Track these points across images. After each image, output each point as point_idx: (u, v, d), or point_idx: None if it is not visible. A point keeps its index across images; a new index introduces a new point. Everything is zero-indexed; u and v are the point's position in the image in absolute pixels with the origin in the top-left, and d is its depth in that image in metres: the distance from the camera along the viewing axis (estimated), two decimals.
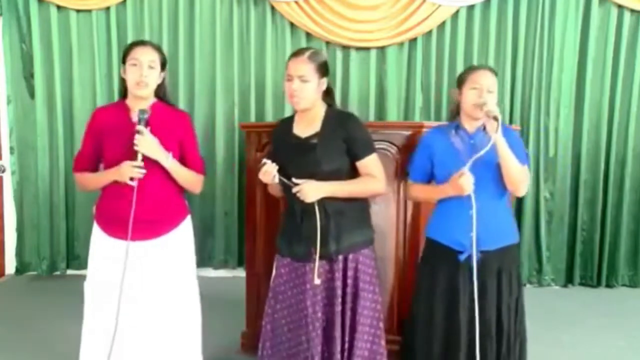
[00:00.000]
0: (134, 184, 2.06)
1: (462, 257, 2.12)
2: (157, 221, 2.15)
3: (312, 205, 2.07)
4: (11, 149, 4.37)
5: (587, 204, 4.36)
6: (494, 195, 2.15)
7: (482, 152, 2.02)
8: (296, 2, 4.18)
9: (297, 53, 2.19)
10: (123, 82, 2.20)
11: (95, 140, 2.19)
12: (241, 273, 3.16)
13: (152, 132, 2.09)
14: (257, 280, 2.89)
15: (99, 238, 2.20)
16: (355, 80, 4.33)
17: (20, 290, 4.14)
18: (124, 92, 2.23)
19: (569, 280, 4.40)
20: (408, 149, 2.65)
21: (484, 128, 2.12)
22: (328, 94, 2.22)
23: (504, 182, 2.12)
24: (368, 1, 4.24)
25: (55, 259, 4.39)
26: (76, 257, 4.39)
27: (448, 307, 2.16)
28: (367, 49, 4.29)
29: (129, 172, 2.05)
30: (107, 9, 4.25)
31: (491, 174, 2.11)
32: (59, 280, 4.31)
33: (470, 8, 4.26)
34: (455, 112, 2.27)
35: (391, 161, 2.62)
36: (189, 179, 2.23)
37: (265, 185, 2.31)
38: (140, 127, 2.06)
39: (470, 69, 2.25)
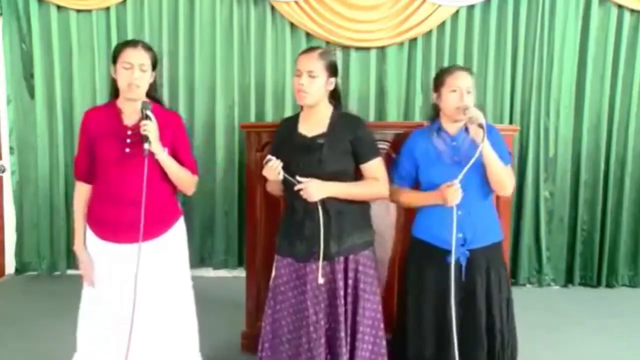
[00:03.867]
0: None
1: (448, 260, 2.10)
2: (151, 223, 2.11)
3: (314, 204, 2.07)
4: (11, 149, 4.37)
5: (587, 204, 4.36)
6: (480, 194, 2.16)
7: (470, 163, 2.03)
8: (296, 2, 4.18)
9: (308, 50, 2.23)
10: (114, 83, 2.17)
11: (88, 144, 2.16)
12: (241, 273, 3.16)
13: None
14: (257, 280, 2.89)
15: (90, 240, 2.19)
16: (355, 80, 4.33)
17: (20, 290, 4.14)
18: (115, 93, 2.19)
19: (569, 280, 4.39)
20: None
21: (466, 129, 2.12)
22: (335, 96, 2.23)
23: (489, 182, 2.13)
24: (368, 1, 4.23)
25: (55, 259, 4.39)
26: (76, 257, 4.36)
27: (438, 306, 2.17)
28: (367, 49, 4.29)
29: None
30: (107, 9, 4.25)
31: (477, 173, 2.11)
32: (59, 280, 4.30)
33: (470, 8, 4.26)
34: (434, 114, 2.27)
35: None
36: (182, 177, 2.20)
37: (265, 185, 2.31)
38: (149, 113, 2.05)
39: (446, 71, 2.24)
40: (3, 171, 4.38)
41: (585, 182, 4.34)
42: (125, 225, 2.07)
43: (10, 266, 4.47)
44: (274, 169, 2.05)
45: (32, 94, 4.33)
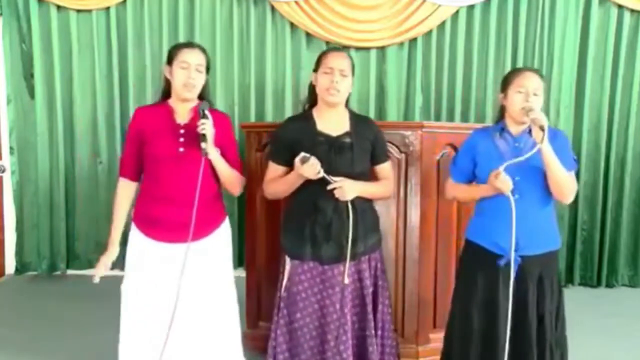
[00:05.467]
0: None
1: (501, 262, 2.06)
2: (201, 223, 2.09)
3: (345, 204, 2.06)
4: (11, 149, 4.37)
5: (587, 204, 4.36)
6: (539, 200, 2.09)
7: (522, 158, 1.98)
8: (296, 2, 4.18)
9: (333, 49, 2.27)
10: (167, 83, 2.18)
11: (138, 142, 2.15)
12: (241, 273, 3.15)
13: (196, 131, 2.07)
14: (257, 280, 2.89)
15: (138, 239, 2.15)
16: (356, 80, 4.29)
17: (20, 290, 4.14)
18: (166, 93, 2.20)
19: (569, 280, 4.40)
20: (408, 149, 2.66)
21: (530, 131, 2.06)
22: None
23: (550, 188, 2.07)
24: (368, 1, 4.24)
25: (55, 259, 4.39)
26: (76, 257, 4.37)
27: (486, 312, 2.10)
28: (367, 49, 4.29)
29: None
30: (107, 9, 4.25)
31: (537, 179, 2.06)
32: (59, 280, 4.30)
33: (470, 8, 4.27)
34: (500, 114, 2.22)
35: (391, 161, 2.62)
36: (232, 177, 2.21)
37: (263, 188, 2.30)
38: (207, 112, 2.07)
39: (515, 71, 2.20)
40: (3, 171, 4.38)
41: (585, 182, 4.34)
42: (177, 225, 2.05)
43: (10, 266, 4.47)
44: (314, 167, 2.01)
45: (32, 94, 4.33)
